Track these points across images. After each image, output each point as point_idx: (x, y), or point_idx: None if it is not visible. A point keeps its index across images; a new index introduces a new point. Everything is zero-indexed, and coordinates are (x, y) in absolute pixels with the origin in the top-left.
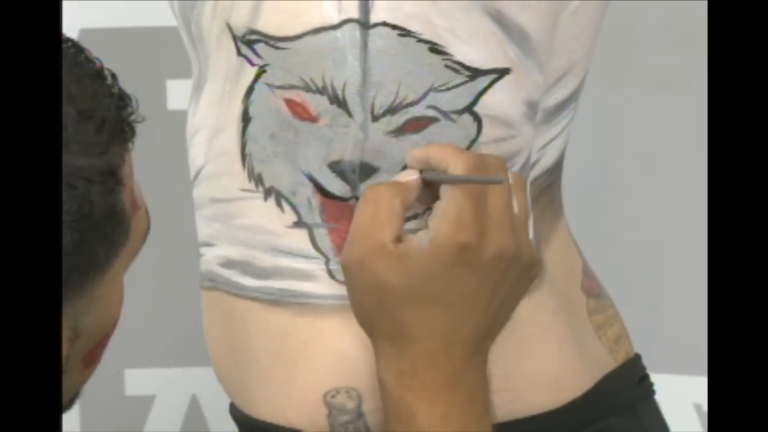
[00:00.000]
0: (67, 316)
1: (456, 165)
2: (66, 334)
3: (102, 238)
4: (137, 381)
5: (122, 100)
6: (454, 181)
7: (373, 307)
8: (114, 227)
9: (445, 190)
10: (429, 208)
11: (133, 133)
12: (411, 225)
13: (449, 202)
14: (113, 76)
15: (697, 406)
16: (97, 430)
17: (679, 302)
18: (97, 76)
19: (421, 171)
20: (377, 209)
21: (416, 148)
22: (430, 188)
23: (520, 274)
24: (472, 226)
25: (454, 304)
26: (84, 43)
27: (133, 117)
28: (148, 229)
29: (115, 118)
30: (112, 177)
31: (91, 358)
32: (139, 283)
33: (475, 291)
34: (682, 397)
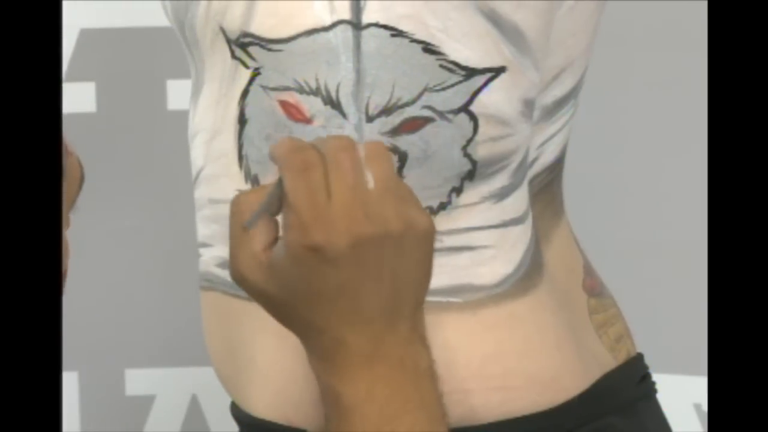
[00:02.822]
0: None
1: (283, 170)
2: None
3: None
4: (137, 381)
5: None
6: (270, 193)
7: (274, 313)
8: None
9: (284, 195)
10: None
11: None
12: None
13: (288, 207)
14: None
15: (697, 406)
16: (97, 430)
17: (679, 302)
18: None
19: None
20: (241, 220)
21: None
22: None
23: (399, 246)
24: (316, 226)
25: (338, 297)
26: (84, 43)
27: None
28: (82, 179)
29: None
30: None
31: None
32: (139, 283)
33: (351, 281)
34: (682, 397)
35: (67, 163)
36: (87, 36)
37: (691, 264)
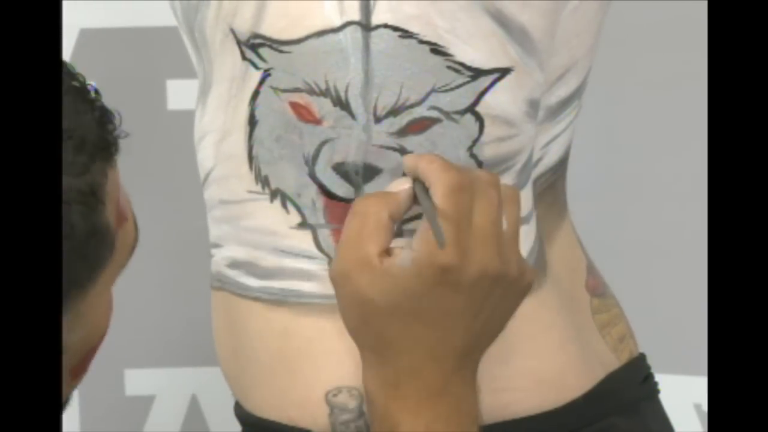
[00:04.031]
0: None
1: (437, 185)
2: None
3: (83, 257)
4: (137, 381)
5: (105, 116)
6: (424, 209)
7: (357, 320)
8: (96, 246)
9: (428, 208)
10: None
11: (116, 149)
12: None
13: (431, 222)
14: (96, 91)
15: (697, 406)
16: (97, 430)
17: (679, 302)
18: (78, 92)
19: (414, 180)
20: (364, 222)
21: (418, 151)
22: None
23: (507, 290)
24: (454, 248)
25: (438, 321)
26: (84, 43)
27: (117, 133)
28: (136, 241)
29: (97, 136)
30: (93, 196)
31: (79, 370)
32: (139, 283)
33: (458, 309)
34: (682, 397)
35: (122, 230)
36: (87, 36)
37: (691, 264)
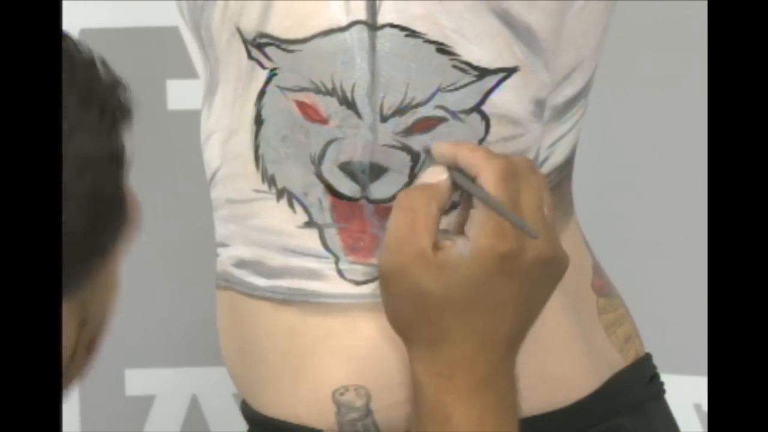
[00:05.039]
0: (77, 303)
1: (487, 174)
2: (76, 320)
3: (109, 222)
4: (137, 381)
5: (118, 83)
6: (485, 201)
7: (411, 314)
8: (119, 212)
9: (482, 198)
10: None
11: (131, 116)
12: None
13: (486, 211)
14: (103, 61)
15: (697, 406)
16: (97, 430)
17: (679, 302)
18: (89, 62)
19: (449, 169)
20: (414, 216)
21: (444, 141)
22: (458, 186)
23: (552, 274)
24: (512, 234)
25: (493, 309)
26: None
27: (128, 100)
28: (139, 216)
29: (114, 101)
30: (117, 160)
31: (93, 344)
32: (139, 283)
33: (513, 296)
34: (682, 397)
35: (131, 203)
36: (87, 36)
37: (691, 264)
